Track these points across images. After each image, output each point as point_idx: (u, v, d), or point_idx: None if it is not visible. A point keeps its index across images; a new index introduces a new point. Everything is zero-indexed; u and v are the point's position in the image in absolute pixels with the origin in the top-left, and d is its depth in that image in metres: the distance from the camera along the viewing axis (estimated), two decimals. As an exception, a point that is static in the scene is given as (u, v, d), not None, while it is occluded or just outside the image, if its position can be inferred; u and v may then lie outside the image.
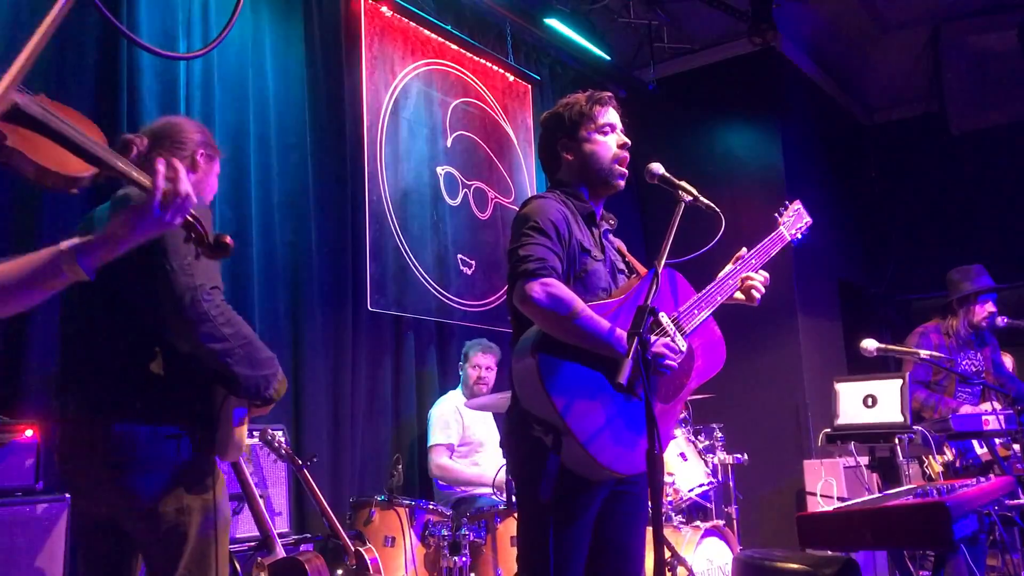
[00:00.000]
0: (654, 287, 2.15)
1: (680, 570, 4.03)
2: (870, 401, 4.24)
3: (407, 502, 4.03)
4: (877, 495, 3.37)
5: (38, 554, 2.83)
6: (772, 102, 7.26)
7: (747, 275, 2.72)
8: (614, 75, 7.22)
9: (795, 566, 3.27)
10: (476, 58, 6.09)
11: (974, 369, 4.96)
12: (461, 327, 5.55)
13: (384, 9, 5.33)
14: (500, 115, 6.24)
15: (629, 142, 2.64)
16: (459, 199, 5.73)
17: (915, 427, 4.11)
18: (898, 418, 4.15)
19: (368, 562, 3.68)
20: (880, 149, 8.80)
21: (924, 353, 4.33)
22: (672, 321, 2.48)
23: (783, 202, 3.06)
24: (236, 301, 4.19)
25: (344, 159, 4.92)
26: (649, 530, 2.28)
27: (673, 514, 4.43)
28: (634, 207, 7.40)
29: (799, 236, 3.01)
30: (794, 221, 3.01)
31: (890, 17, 7.58)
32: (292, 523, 4.04)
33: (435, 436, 4.83)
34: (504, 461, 4.56)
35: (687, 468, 4.48)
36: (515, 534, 3.99)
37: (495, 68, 6.26)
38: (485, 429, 4.95)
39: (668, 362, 2.32)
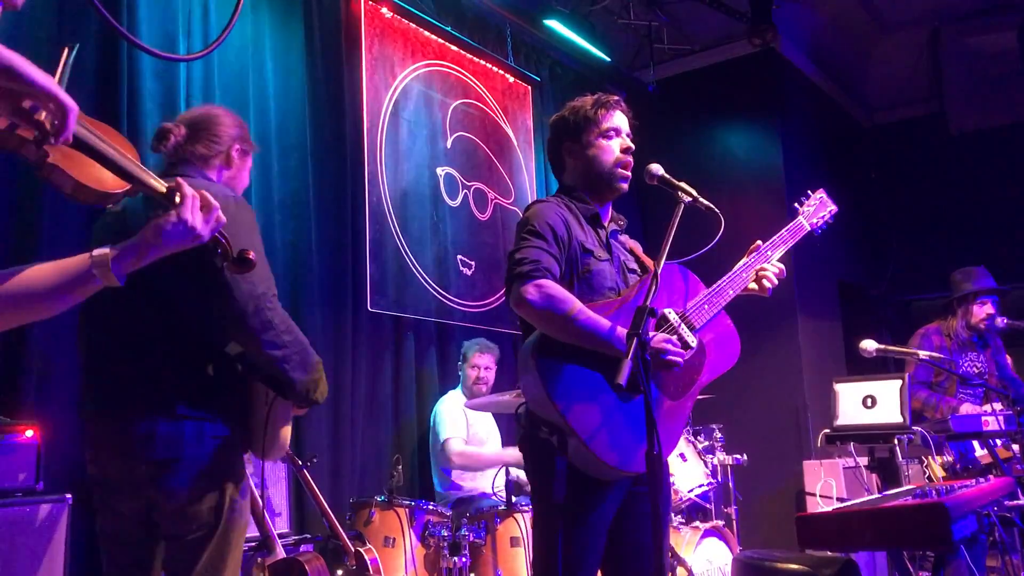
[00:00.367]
0: (653, 288, 2.15)
1: (680, 570, 4.03)
2: (869, 402, 4.24)
3: (407, 503, 4.03)
4: (876, 496, 3.37)
5: (39, 555, 2.83)
6: (772, 103, 7.26)
7: (761, 267, 2.72)
8: (614, 76, 7.22)
9: (795, 567, 3.27)
10: (476, 59, 6.09)
11: (975, 371, 4.95)
12: (461, 328, 5.55)
13: (384, 10, 5.33)
14: (500, 116, 6.24)
15: (633, 147, 2.64)
16: (459, 200, 5.73)
17: (914, 428, 4.11)
18: (897, 419, 4.16)
19: (368, 562, 3.68)
20: (880, 150, 8.81)
21: (923, 354, 4.33)
22: (680, 317, 2.49)
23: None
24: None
25: (344, 160, 4.92)
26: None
27: (673, 514, 4.43)
28: (634, 208, 7.39)
29: (823, 225, 2.98)
30: (816, 210, 2.99)
31: (890, 18, 7.59)
32: (292, 524, 4.05)
33: (446, 430, 4.83)
34: (504, 462, 4.59)
35: (687, 469, 4.48)
36: (515, 535, 4.02)
37: (495, 69, 6.27)
38: (486, 428, 4.96)
39: (671, 358, 2.32)
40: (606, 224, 2.65)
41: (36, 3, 3.60)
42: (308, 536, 3.99)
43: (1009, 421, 3.91)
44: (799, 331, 6.86)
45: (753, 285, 2.73)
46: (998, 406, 4.16)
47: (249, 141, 2.57)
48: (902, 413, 4.15)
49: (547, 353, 2.30)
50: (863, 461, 4.64)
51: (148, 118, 3.81)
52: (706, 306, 2.55)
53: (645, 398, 1.99)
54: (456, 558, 3.99)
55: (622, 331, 2.29)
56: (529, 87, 6.60)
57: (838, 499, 5.36)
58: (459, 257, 5.62)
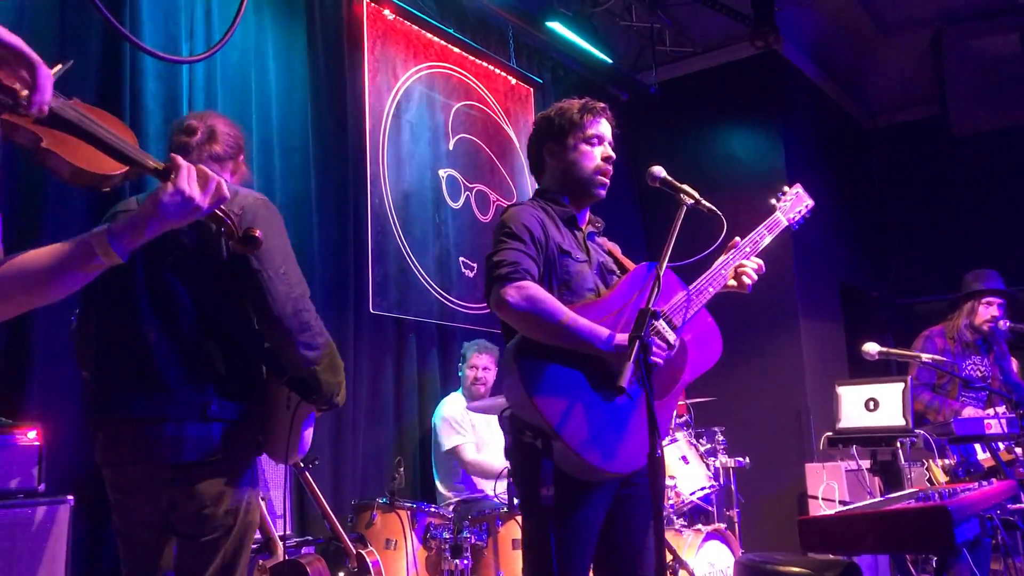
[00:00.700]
0: (656, 290, 2.15)
1: (682, 573, 4.02)
2: (872, 405, 4.24)
3: (409, 505, 4.03)
4: (879, 499, 3.36)
5: (40, 556, 2.83)
6: (774, 105, 7.26)
7: (740, 263, 2.70)
8: (616, 78, 7.22)
9: (797, 570, 3.27)
10: (478, 61, 6.10)
11: (978, 374, 4.94)
12: (463, 329, 5.55)
13: (386, 12, 5.33)
14: (502, 118, 6.24)
15: (615, 156, 2.64)
16: (461, 202, 5.73)
17: (917, 431, 4.10)
18: (900, 422, 4.15)
19: (370, 565, 3.68)
20: (882, 152, 8.80)
21: (926, 357, 4.32)
22: (661, 316, 2.48)
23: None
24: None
25: (346, 162, 4.93)
26: (651, 534, 2.28)
27: (675, 517, 4.42)
28: (635, 210, 7.40)
29: (799, 219, 2.96)
30: (793, 204, 2.94)
31: (892, 20, 7.58)
32: (294, 526, 4.04)
33: (453, 438, 4.82)
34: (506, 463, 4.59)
35: (689, 471, 4.47)
36: (516, 537, 4.01)
37: (497, 71, 6.27)
38: (488, 430, 4.96)
39: (653, 358, 2.30)
40: (583, 227, 2.65)
41: (39, 6, 3.60)
42: (310, 538, 3.98)
43: (1012, 424, 3.91)
44: (801, 334, 6.85)
45: (733, 282, 2.71)
46: (1001, 409, 4.15)
47: (241, 142, 2.61)
48: (904, 416, 4.15)
49: (528, 356, 2.30)
50: (865, 464, 4.63)
51: (151, 120, 3.82)
52: (686, 304, 2.54)
53: (647, 399, 1.99)
54: (458, 560, 3.99)
55: (601, 329, 2.30)
56: (531, 89, 6.60)
57: (840, 502, 5.35)
58: (461, 259, 5.62)
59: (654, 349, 2.30)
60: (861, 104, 8.80)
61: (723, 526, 4.65)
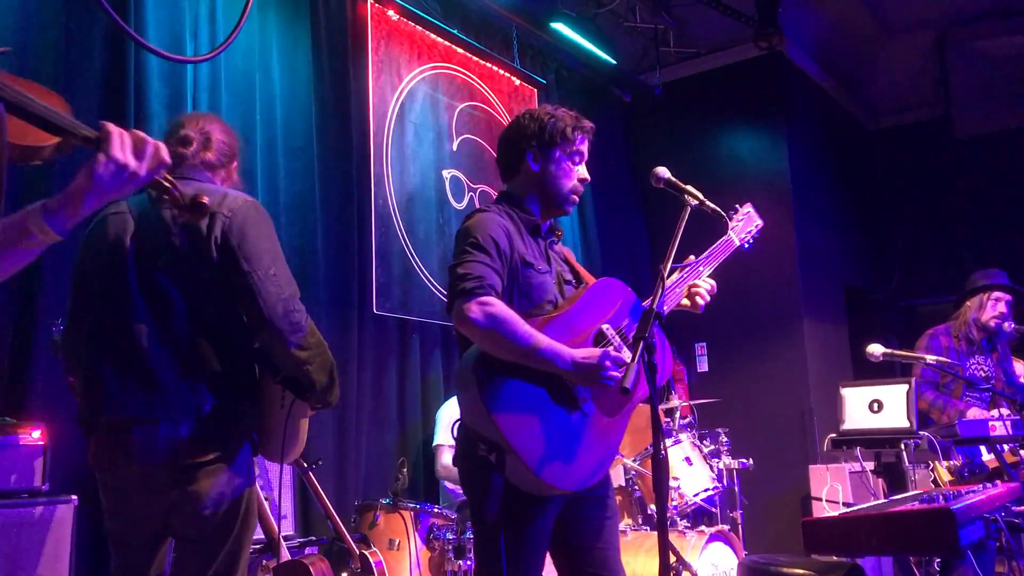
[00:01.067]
0: (660, 291, 2.15)
1: (685, 575, 4.02)
2: (876, 406, 4.23)
3: (412, 505, 4.03)
4: (883, 500, 3.36)
5: (44, 556, 2.84)
6: (778, 106, 7.25)
7: (694, 283, 2.69)
8: (620, 79, 7.22)
9: (800, 571, 3.26)
10: (482, 62, 6.10)
11: (982, 374, 4.93)
12: (466, 330, 5.54)
13: (391, 13, 5.34)
14: (506, 119, 6.23)
15: (589, 178, 2.63)
16: (465, 202, 5.73)
17: (921, 432, 4.10)
18: (904, 423, 4.14)
19: (373, 565, 3.68)
20: (886, 153, 8.79)
21: (930, 358, 4.31)
22: (618, 332, 2.47)
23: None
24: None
25: (350, 162, 4.93)
26: (654, 535, 2.28)
27: (678, 519, 4.42)
28: (640, 211, 7.40)
29: (750, 240, 2.94)
30: (744, 225, 2.93)
31: (896, 21, 7.57)
32: (297, 526, 4.05)
33: (440, 436, 4.82)
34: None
35: (692, 472, 4.47)
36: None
37: (501, 72, 6.27)
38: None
39: (611, 373, 2.26)
40: (545, 235, 2.62)
41: (43, 5, 3.61)
42: (313, 539, 3.99)
43: (1017, 426, 3.90)
44: (805, 335, 6.84)
45: (686, 301, 2.70)
46: (1006, 411, 4.14)
47: (235, 148, 2.62)
48: (909, 418, 4.14)
49: (488, 369, 2.26)
50: (869, 466, 4.62)
51: (155, 120, 3.82)
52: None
53: (651, 400, 1.99)
54: (461, 561, 3.98)
55: (560, 347, 2.27)
56: (535, 90, 6.59)
57: (844, 504, 5.34)
58: (464, 260, 5.61)
59: (607, 364, 2.26)
60: (865, 105, 8.79)
61: (727, 528, 4.64)
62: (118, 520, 2.33)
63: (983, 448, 4.27)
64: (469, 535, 4.04)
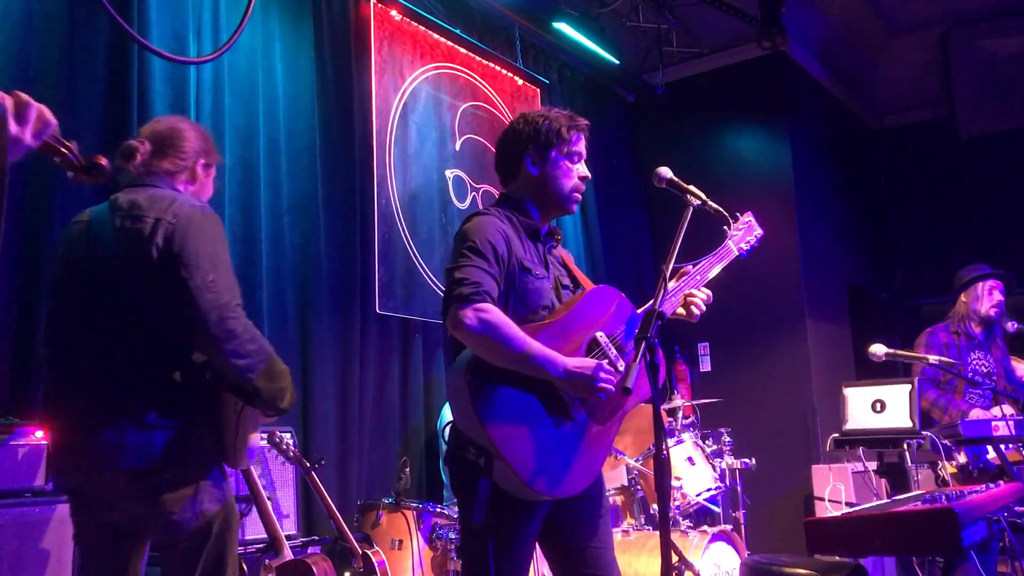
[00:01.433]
0: (661, 291, 2.15)
1: (687, 575, 4.02)
2: (879, 406, 4.23)
3: (414, 505, 4.03)
4: (886, 500, 3.35)
5: (47, 556, 2.84)
6: (781, 106, 7.25)
7: (690, 292, 2.68)
8: (623, 79, 7.22)
9: (803, 572, 3.26)
10: (485, 62, 6.10)
11: (984, 370, 4.92)
12: (469, 330, 5.54)
13: (393, 13, 5.34)
14: (509, 119, 6.21)
15: (590, 176, 2.63)
16: (468, 202, 5.73)
17: (924, 432, 4.09)
18: (907, 423, 4.14)
19: (375, 565, 3.68)
20: (889, 153, 8.78)
21: (933, 358, 4.30)
22: (611, 340, 2.46)
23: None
24: (244, 303, 4.19)
25: (353, 162, 4.93)
26: (656, 535, 2.28)
27: (681, 518, 4.42)
28: (642, 211, 7.39)
29: (748, 249, 2.92)
30: (744, 234, 2.91)
31: (900, 21, 7.56)
32: (300, 525, 4.05)
33: None
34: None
35: (695, 472, 4.47)
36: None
37: (504, 72, 6.27)
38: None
39: (603, 384, 2.27)
40: (544, 238, 2.62)
41: (47, 7, 3.62)
42: (315, 538, 3.99)
43: (1020, 426, 3.89)
44: (808, 335, 6.84)
45: (681, 310, 2.68)
46: (1008, 409, 4.14)
47: (213, 153, 2.60)
48: (911, 418, 4.14)
49: (480, 374, 2.26)
50: (872, 466, 4.62)
51: (158, 120, 3.82)
52: (636, 329, 2.52)
53: (653, 400, 1.99)
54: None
55: (558, 357, 2.27)
56: (538, 89, 6.59)
57: (847, 504, 5.34)
58: (467, 260, 5.61)
59: (601, 375, 2.27)
60: (868, 105, 8.78)
61: (729, 527, 4.64)
62: (80, 524, 2.37)
63: (988, 447, 4.27)
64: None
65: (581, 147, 2.60)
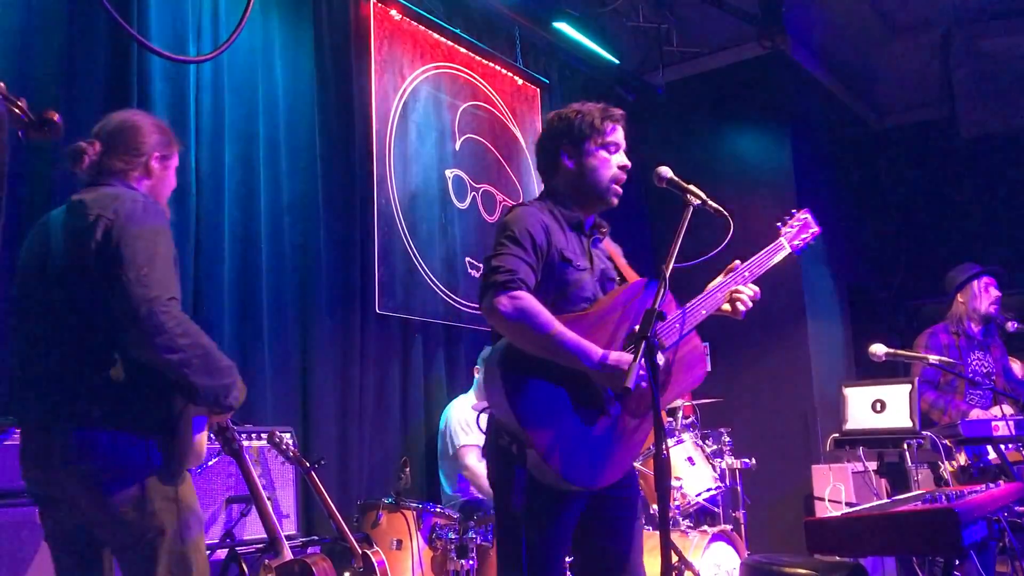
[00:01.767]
0: (662, 291, 2.15)
1: (687, 575, 4.01)
2: (879, 406, 4.23)
3: (414, 505, 4.03)
4: (886, 500, 3.35)
5: (45, 556, 2.83)
6: (781, 106, 7.24)
7: (736, 288, 2.67)
8: (623, 79, 7.21)
9: (803, 571, 3.26)
10: (485, 61, 6.10)
11: (984, 370, 4.93)
12: (469, 330, 5.55)
13: (393, 12, 5.34)
14: (509, 118, 6.24)
15: (629, 164, 2.63)
16: (467, 202, 5.73)
17: (924, 432, 4.09)
18: (907, 423, 4.14)
19: (375, 565, 3.68)
20: (890, 153, 8.77)
21: (933, 358, 4.30)
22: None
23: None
24: (244, 303, 4.21)
25: (353, 162, 4.93)
26: (656, 535, 2.28)
27: (681, 518, 4.42)
28: (641, 211, 7.39)
29: (803, 246, 2.92)
30: (799, 231, 2.92)
31: (900, 20, 7.55)
32: (299, 525, 4.05)
33: (462, 438, 4.81)
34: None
35: (695, 472, 4.46)
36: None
37: (504, 71, 6.27)
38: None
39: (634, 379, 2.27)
40: (588, 231, 2.63)
41: (47, 6, 3.62)
42: (315, 538, 3.99)
43: (1020, 426, 3.89)
44: (808, 335, 6.83)
45: (727, 306, 2.68)
46: (1007, 409, 4.14)
47: (171, 145, 2.55)
48: (911, 417, 4.14)
49: (513, 363, 2.30)
50: (872, 466, 4.61)
51: (158, 120, 3.82)
52: (677, 325, 2.51)
53: (653, 400, 1.99)
54: (463, 561, 3.99)
55: (593, 348, 2.29)
56: (538, 89, 6.59)
57: (847, 504, 5.33)
58: (467, 259, 5.62)
59: (639, 372, 2.26)
60: (869, 105, 8.78)
61: (729, 527, 4.64)
62: (47, 526, 2.37)
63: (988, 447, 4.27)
64: (471, 535, 4.04)
65: (617, 137, 2.61)
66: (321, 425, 4.49)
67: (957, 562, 2.91)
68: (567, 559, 3.02)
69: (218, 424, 3.23)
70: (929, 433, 4.11)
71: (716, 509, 5.01)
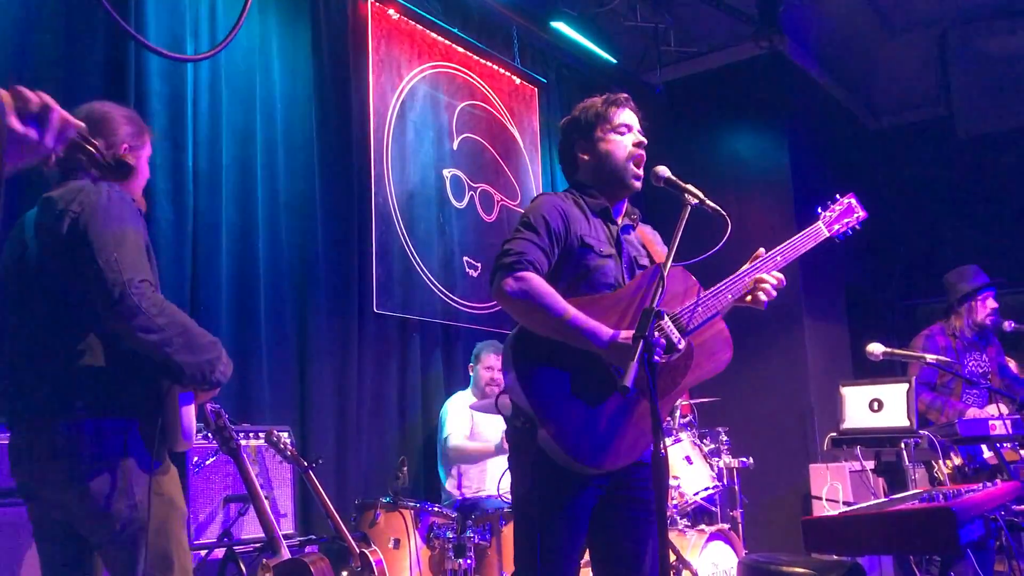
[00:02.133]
0: (659, 290, 2.15)
1: (685, 574, 4.02)
2: (876, 405, 4.23)
3: (412, 504, 4.03)
4: (883, 499, 3.36)
5: (44, 554, 2.83)
6: (779, 105, 7.25)
7: (760, 276, 2.62)
8: (621, 78, 7.21)
9: (800, 571, 3.26)
10: (483, 61, 6.10)
11: (980, 371, 4.95)
12: (467, 329, 5.55)
13: (391, 12, 5.34)
14: (506, 118, 6.24)
15: (645, 141, 2.65)
16: (465, 201, 5.73)
17: (921, 431, 4.10)
18: (904, 422, 4.14)
19: (373, 564, 3.68)
20: (887, 153, 8.78)
21: (930, 357, 4.31)
22: (672, 319, 2.47)
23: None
24: (242, 302, 4.21)
25: (350, 161, 4.93)
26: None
27: (678, 517, 4.42)
28: (640, 210, 7.38)
29: (846, 231, 2.85)
30: (839, 215, 2.84)
31: (897, 20, 7.56)
32: (297, 525, 4.05)
33: (447, 428, 4.85)
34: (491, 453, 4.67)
35: (692, 471, 4.47)
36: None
37: (501, 71, 6.27)
38: (493, 431, 4.95)
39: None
40: (618, 220, 2.64)
41: (45, 4, 3.61)
42: (313, 537, 3.99)
43: (1017, 425, 3.90)
44: (806, 334, 6.84)
45: (748, 298, 2.63)
46: (1003, 408, 4.15)
47: (142, 135, 2.52)
48: (909, 417, 4.13)
49: (525, 347, 2.35)
50: (869, 465, 4.61)
51: (155, 119, 3.82)
52: (700, 309, 2.50)
53: (651, 399, 1.98)
54: (461, 560, 3.99)
55: (603, 328, 2.31)
56: (535, 89, 6.60)
57: (844, 503, 5.34)
58: (465, 259, 5.62)
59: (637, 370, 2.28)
60: (866, 105, 8.79)
61: (727, 526, 4.64)
62: (32, 518, 2.37)
63: (984, 446, 4.28)
64: (469, 533, 4.04)
65: (625, 118, 2.64)
66: (319, 424, 4.48)
67: (954, 561, 2.92)
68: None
69: (216, 424, 3.23)
70: (926, 432, 4.12)
71: (714, 508, 5.01)
